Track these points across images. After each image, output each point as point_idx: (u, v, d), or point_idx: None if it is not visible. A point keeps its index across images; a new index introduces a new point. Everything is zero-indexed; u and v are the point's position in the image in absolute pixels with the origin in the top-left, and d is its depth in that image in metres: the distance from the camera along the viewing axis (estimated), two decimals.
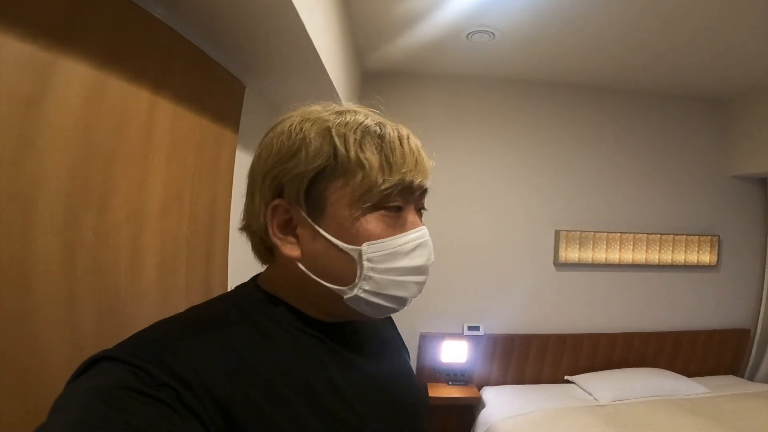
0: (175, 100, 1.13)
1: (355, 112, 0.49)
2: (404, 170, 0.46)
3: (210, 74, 1.31)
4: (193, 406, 0.36)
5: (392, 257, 0.47)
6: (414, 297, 0.50)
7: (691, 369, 2.74)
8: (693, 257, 2.78)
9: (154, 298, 1.04)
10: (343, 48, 1.88)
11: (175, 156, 1.15)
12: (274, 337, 0.46)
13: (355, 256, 0.46)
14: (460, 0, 1.77)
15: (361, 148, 0.46)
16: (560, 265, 2.74)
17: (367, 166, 0.45)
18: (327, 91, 1.73)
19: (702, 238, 2.80)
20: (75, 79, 0.82)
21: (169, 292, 1.10)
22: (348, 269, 0.47)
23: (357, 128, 0.47)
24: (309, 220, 0.47)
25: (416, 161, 0.48)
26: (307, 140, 0.46)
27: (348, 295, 0.47)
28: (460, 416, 2.39)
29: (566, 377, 2.58)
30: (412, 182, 0.47)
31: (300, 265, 0.48)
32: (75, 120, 0.82)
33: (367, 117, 0.48)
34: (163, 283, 1.08)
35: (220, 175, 1.42)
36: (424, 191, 0.51)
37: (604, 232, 2.74)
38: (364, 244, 0.46)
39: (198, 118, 1.25)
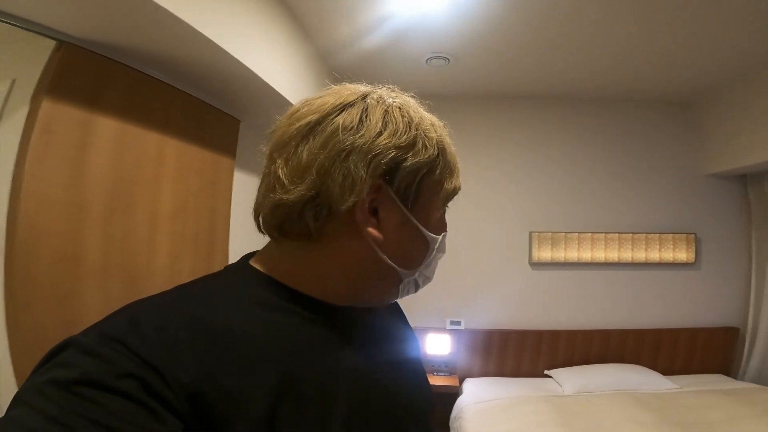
0: (178, 137, 1.63)
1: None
2: (457, 174, 0.54)
3: (205, 115, 1.81)
4: (163, 393, 0.34)
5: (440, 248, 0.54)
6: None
7: (675, 367, 2.93)
8: (668, 255, 3.02)
9: (166, 275, 1.52)
10: (316, 83, 2.36)
11: (180, 178, 1.64)
12: (256, 321, 0.44)
13: (433, 245, 0.51)
14: (418, 33, 2.20)
15: (446, 150, 0.51)
16: (535, 265, 3.05)
17: (453, 166, 0.52)
18: None
19: (677, 236, 3.03)
20: (106, 129, 1.32)
21: (175, 274, 1.58)
22: (423, 255, 0.51)
23: (444, 128, 0.53)
24: (403, 208, 0.48)
25: None
26: (423, 133, 0.48)
27: (409, 278, 0.51)
28: (446, 403, 2.71)
29: (545, 371, 2.86)
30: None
31: (375, 248, 0.48)
32: (108, 157, 1.32)
33: (428, 125, 0.51)
34: (171, 265, 1.56)
35: (219, 191, 1.91)
36: None
37: (575, 232, 3.03)
38: (441, 234, 0.53)
39: (198, 149, 1.74)
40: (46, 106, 1.14)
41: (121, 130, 1.37)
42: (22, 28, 1.15)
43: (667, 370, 2.86)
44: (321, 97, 0.49)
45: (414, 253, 0.50)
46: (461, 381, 2.80)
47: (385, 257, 0.48)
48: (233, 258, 1.94)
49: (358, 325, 0.53)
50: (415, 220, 0.49)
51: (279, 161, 0.47)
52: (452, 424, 2.38)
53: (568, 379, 2.64)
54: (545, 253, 3.03)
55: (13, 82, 1.26)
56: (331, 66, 2.55)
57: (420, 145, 0.47)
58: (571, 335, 2.93)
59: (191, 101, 1.71)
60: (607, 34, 2.19)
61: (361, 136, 0.45)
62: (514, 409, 2.29)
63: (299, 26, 2.12)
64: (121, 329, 0.37)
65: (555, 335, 2.93)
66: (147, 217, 1.47)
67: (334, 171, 0.45)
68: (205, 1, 1.32)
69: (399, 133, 0.46)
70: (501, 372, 2.89)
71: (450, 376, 2.83)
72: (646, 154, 3.14)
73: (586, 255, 3.02)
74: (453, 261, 3.04)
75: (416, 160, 0.47)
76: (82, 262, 1.23)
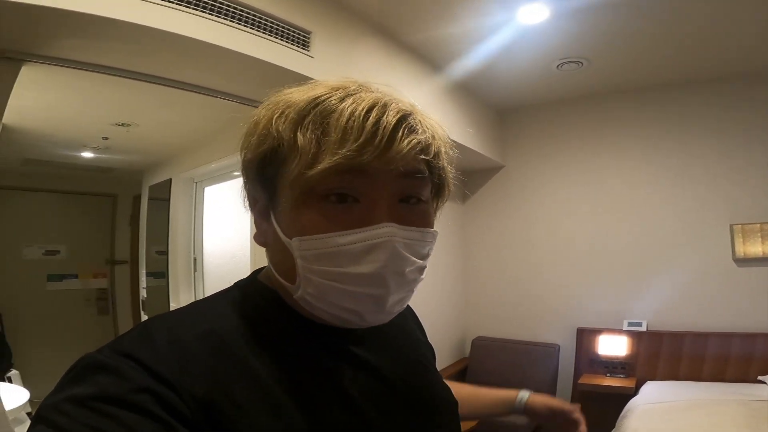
0: None
1: (337, 89, 0.45)
2: (344, 150, 0.41)
3: None
4: (176, 405, 0.37)
5: (330, 258, 0.42)
6: (373, 312, 0.45)
7: None
8: None
9: None
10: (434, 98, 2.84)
11: None
12: (264, 332, 0.46)
13: (291, 250, 0.44)
14: (542, 40, 2.35)
15: (300, 128, 0.43)
16: (741, 261, 2.70)
17: (300, 147, 0.42)
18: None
19: None
20: None
21: None
22: (290, 263, 0.45)
23: (305, 106, 0.44)
24: (269, 207, 0.47)
25: (373, 137, 0.41)
26: (258, 125, 0.46)
27: (296, 295, 0.46)
28: (618, 405, 2.67)
29: (759, 377, 2.48)
30: (361, 164, 0.41)
31: (266, 255, 0.50)
32: None
33: (335, 92, 0.44)
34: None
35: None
36: (405, 175, 0.44)
37: None
38: (294, 239, 0.43)
39: None
40: None
41: None
42: (232, 101, 1.99)
43: None
44: None
45: (281, 258, 0.47)
46: (639, 383, 2.73)
47: (271, 266, 0.50)
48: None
49: (362, 333, 0.52)
50: (273, 218, 0.47)
51: None
52: (618, 422, 2.38)
53: None
54: (754, 248, 2.67)
55: None
56: (450, 78, 2.79)
57: (253, 137, 0.46)
58: None
59: None
60: None
61: None
62: (691, 410, 2.18)
63: (416, 51, 2.62)
64: (133, 345, 0.40)
65: None
66: None
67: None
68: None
69: (244, 134, 0.48)
70: (695, 376, 2.67)
71: (627, 378, 2.78)
72: None
73: None
74: (632, 259, 3.04)
75: (249, 155, 0.47)
76: None
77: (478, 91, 3.12)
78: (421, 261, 0.46)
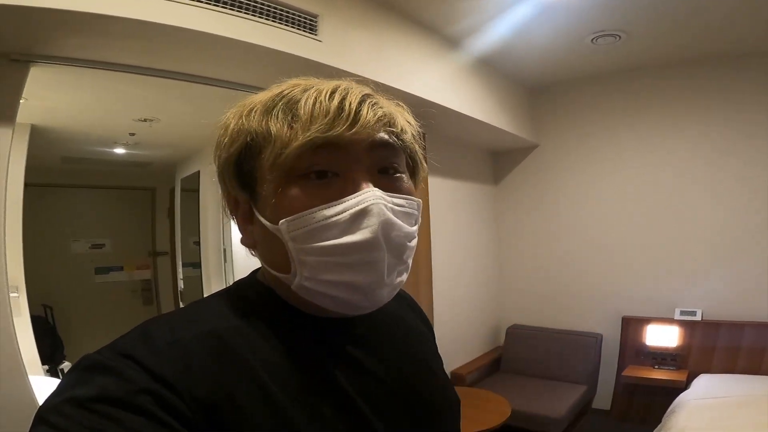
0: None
1: (298, 84, 0.48)
2: (318, 125, 0.43)
3: None
4: (177, 406, 0.37)
5: (320, 233, 0.43)
6: (374, 283, 0.45)
7: None
8: None
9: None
10: (461, 79, 2.64)
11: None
12: (263, 332, 0.46)
13: (280, 235, 0.45)
14: (573, 12, 2.16)
15: (270, 117, 0.45)
16: None
17: (273, 133, 0.44)
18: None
19: None
20: None
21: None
22: (282, 252, 0.45)
23: (270, 99, 0.47)
24: (250, 204, 0.48)
25: (340, 112, 0.43)
26: (227, 127, 0.48)
27: (293, 284, 0.46)
28: (666, 399, 2.51)
29: None
30: (336, 137, 0.43)
31: (256, 255, 0.51)
32: None
33: (297, 86, 0.47)
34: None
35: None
36: (377, 145, 0.46)
37: None
38: (281, 221, 0.44)
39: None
40: None
41: None
42: (247, 91, 1.96)
43: None
44: None
45: (271, 249, 0.47)
46: (691, 377, 2.55)
47: (263, 263, 0.51)
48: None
49: (362, 333, 0.53)
50: (257, 212, 0.48)
51: None
52: (665, 418, 2.23)
53: None
54: None
55: None
56: (472, 55, 2.63)
57: (225, 138, 0.48)
58: None
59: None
60: None
61: None
62: (748, 406, 2.04)
63: (431, 27, 2.42)
64: (134, 345, 0.40)
65: None
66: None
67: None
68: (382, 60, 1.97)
69: (215, 138, 0.50)
70: (755, 370, 2.48)
71: (677, 370, 2.59)
72: None
73: None
74: (677, 244, 2.82)
75: (224, 155, 0.48)
76: None
77: (504, 68, 2.95)
78: (409, 228, 0.47)
